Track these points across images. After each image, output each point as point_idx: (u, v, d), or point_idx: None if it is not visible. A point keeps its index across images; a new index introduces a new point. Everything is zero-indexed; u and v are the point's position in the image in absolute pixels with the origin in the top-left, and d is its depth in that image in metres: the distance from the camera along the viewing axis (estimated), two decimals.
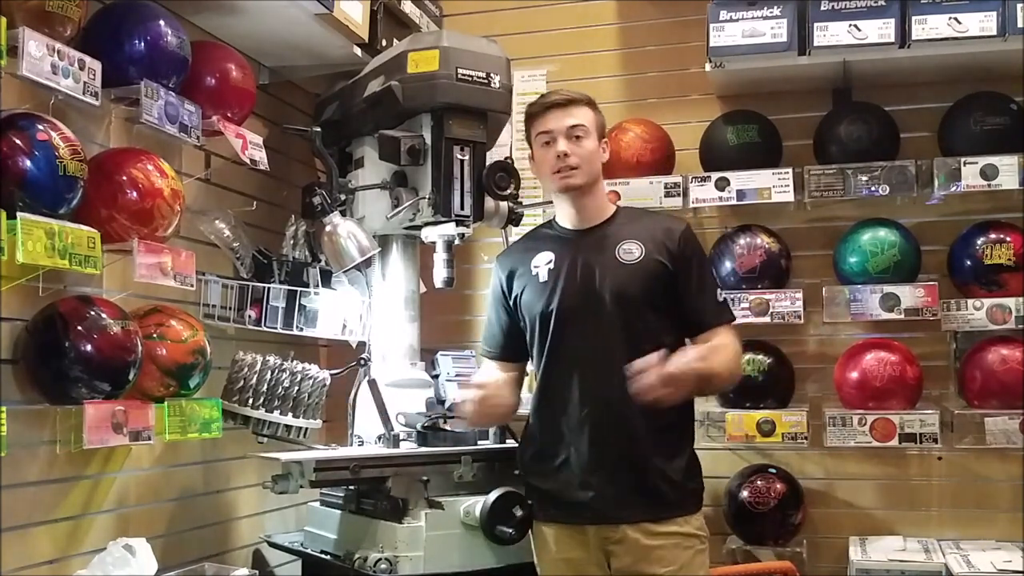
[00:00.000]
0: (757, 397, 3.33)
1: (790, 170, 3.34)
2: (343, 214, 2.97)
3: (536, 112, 2.61)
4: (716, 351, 2.45)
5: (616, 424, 2.46)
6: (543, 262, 2.60)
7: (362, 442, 3.00)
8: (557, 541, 2.54)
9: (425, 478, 2.73)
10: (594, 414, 2.48)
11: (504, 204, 3.08)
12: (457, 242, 3.00)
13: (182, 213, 2.48)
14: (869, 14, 3.16)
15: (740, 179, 3.35)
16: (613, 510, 2.45)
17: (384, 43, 3.29)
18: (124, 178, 2.33)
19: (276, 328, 3.04)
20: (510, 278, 2.67)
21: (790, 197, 3.32)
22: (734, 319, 2.61)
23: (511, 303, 2.67)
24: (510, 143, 3.73)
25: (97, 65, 2.21)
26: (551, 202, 3.24)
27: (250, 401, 2.84)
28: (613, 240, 2.56)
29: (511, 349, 2.70)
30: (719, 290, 2.60)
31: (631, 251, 2.52)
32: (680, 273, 2.52)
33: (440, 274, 2.99)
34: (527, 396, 3.38)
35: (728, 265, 3.37)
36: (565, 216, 2.66)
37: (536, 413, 2.62)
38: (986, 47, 3.11)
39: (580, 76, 3.69)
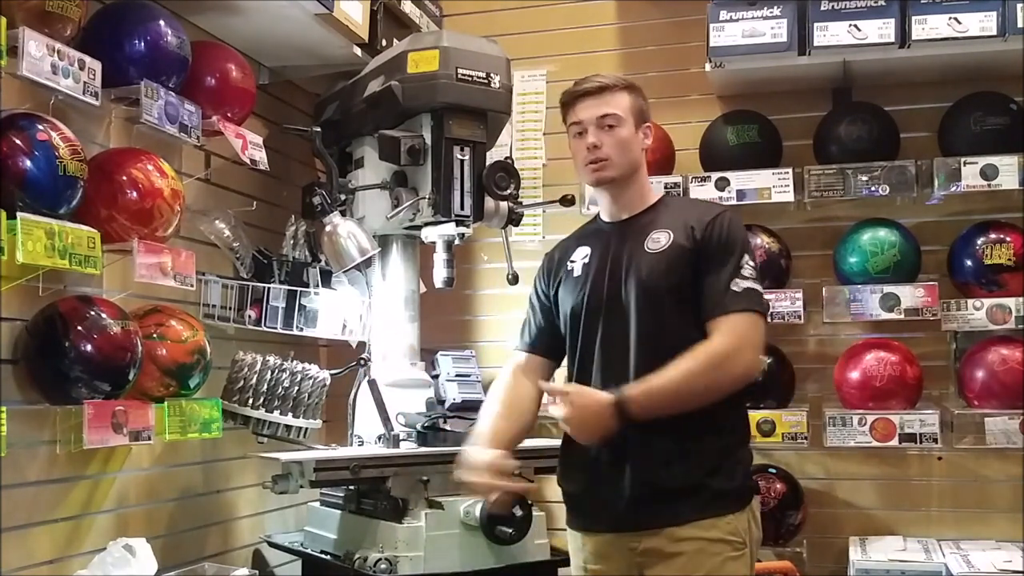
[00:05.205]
0: (757, 397, 3.31)
1: (790, 170, 3.33)
2: (343, 214, 2.97)
3: (568, 101, 2.48)
4: (674, 366, 2.23)
5: (634, 422, 2.27)
6: (579, 257, 2.49)
7: (362, 442, 3.01)
8: (583, 551, 2.42)
9: (425, 478, 2.73)
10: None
11: (504, 204, 3.07)
12: (457, 242, 3.00)
13: (182, 213, 2.48)
14: (869, 14, 3.16)
15: (740, 179, 3.35)
16: (631, 517, 2.30)
17: (384, 43, 3.29)
18: (124, 178, 2.33)
19: (276, 328, 3.04)
20: (548, 275, 2.57)
21: (790, 197, 3.32)
22: (754, 310, 2.31)
23: (548, 300, 2.55)
24: (510, 143, 3.73)
25: (97, 65, 2.21)
26: (552, 202, 3.26)
27: (250, 401, 2.84)
28: (646, 230, 2.40)
29: (542, 346, 2.55)
30: (746, 280, 2.31)
31: (658, 239, 2.37)
32: (701, 258, 2.34)
33: (440, 274, 3.00)
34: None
35: None
36: (604, 208, 2.53)
37: None
38: (986, 47, 3.10)
39: (580, 76, 3.68)
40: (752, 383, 2.38)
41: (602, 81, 2.45)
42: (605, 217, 2.53)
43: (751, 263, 2.35)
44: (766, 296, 3.20)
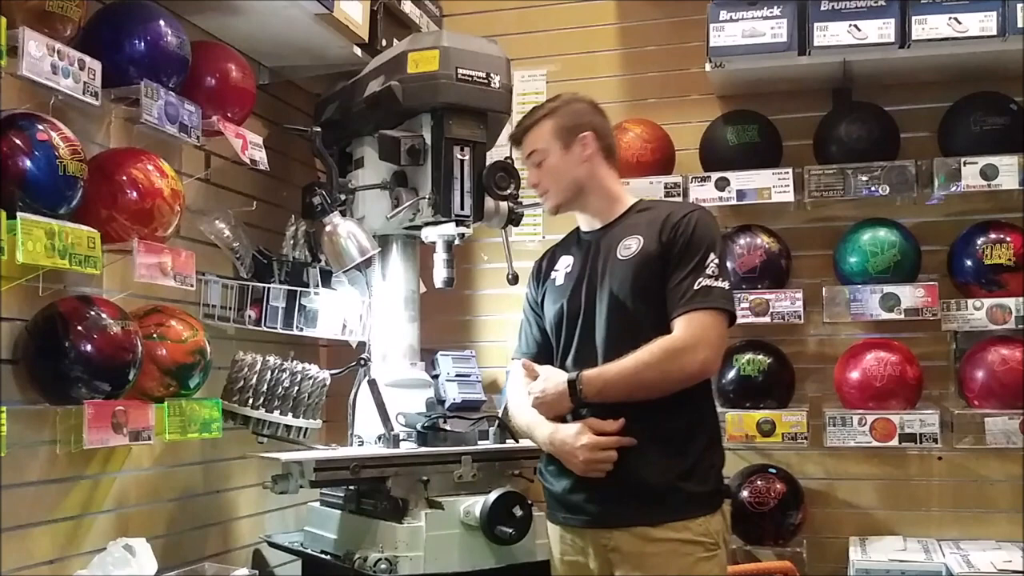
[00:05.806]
0: (757, 397, 3.32)
1: (790, 170, 3.34)
2: (343, 214, 2.97)
3: (513, 145, 2.65)
4: (631, 356, 2.31)
5: (587, 402, 2.37)
6: (563, 266, 2.56)
7: (362, 442, 3.01)
8: (561, 543, 2.50)
9: (425, 478, 2.74)
10: (587, 415, 2.40)
11: (504, 204, 3.07)
12: (457, 242, 3.00)
13: (182, 213, 2.48)
14: (869, 14, 3.16)
15: (740, 179, 3.35)
16: (605, 514, 2.37)
17: (384, 43, 3.29)
18: (124, 178, 2.33)
19: (276, 328, 3.04)
20: (537, 283, 2.64)
21: (790, 197, 3.32)
22: (716, 307, 2.32)
23: (537, 306, 2.62)
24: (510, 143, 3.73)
25: (97, 65, 2.21)
26: None
27: (250, 401, 2.84)
28: (619, 237, 2.47)
29: (539, 351, 2.59)
30: (710, 279, 2.33)
31: (629, 246, 2.43)
32: (668, 259, 2.37)
33: (440, 274, 3.00)
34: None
35: (728, 265, 3.35)
36: (581, 221, 2.61)
37: None
38: (986, 47, 3.10)
39: (580, 76, 3.70)
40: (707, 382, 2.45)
41: (524, 123, 2.58)
42: (584, 227, 2.61)
43: (717, 262, 2.37)
44: (766, 296, 3.27)
